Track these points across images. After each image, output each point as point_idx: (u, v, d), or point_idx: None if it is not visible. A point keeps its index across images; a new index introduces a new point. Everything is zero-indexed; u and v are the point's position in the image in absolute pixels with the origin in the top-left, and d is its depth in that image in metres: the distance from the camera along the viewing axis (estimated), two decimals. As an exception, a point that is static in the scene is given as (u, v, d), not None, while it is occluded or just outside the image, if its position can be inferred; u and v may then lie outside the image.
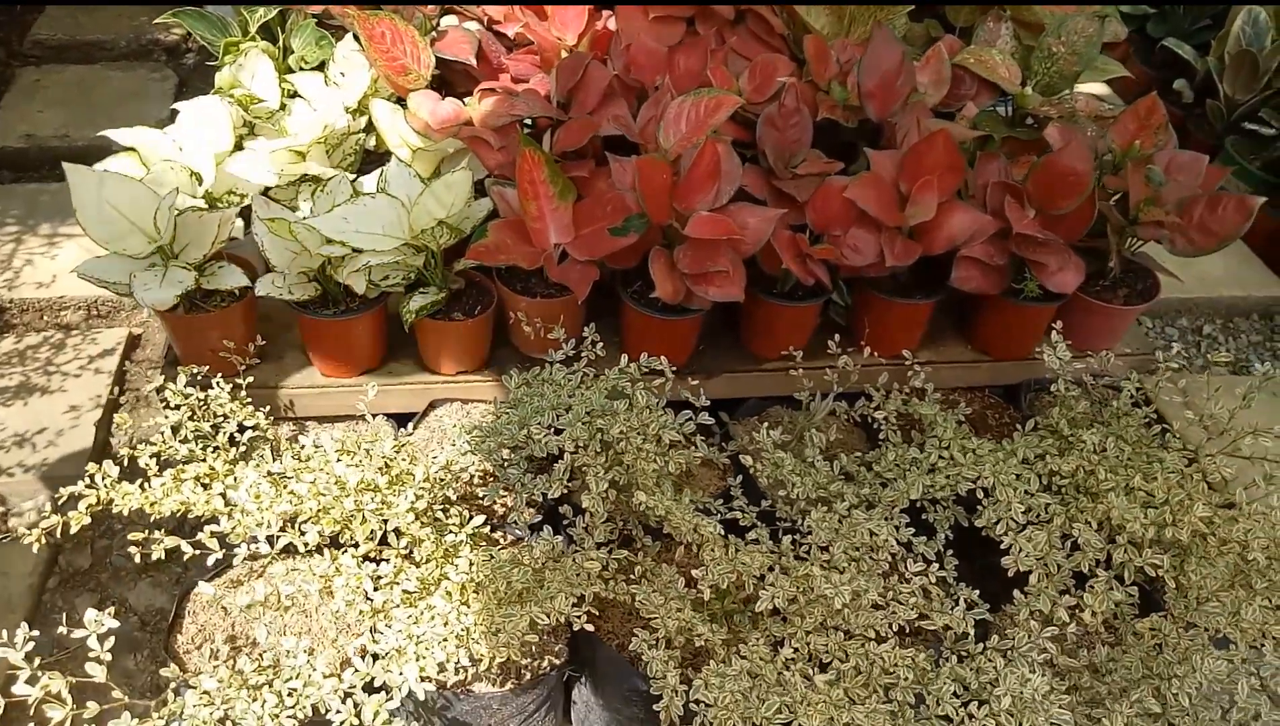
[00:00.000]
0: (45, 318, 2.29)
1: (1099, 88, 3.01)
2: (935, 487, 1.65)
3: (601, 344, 1.73)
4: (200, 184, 1.70)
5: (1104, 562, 1.56)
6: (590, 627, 1.43)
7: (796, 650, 1.41)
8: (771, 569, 1.46)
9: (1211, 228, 1.84)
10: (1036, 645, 1.43)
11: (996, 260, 1.84)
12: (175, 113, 1.80)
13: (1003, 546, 1.56)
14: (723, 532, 1.51)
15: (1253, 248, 2.73)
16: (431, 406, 1.89)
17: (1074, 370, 1.80)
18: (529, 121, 1.88)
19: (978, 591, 1.53)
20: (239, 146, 1.80)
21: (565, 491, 1.54)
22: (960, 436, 1.72)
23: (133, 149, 1.71)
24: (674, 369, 1.72)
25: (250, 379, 1.80)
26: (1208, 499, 1.59)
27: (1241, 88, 2.83)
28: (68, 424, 1.99)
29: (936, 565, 1.52)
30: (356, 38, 1.86)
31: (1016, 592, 1.52)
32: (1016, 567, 1.52)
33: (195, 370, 1.67)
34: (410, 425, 1.84)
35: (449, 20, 2.00)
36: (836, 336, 1.88)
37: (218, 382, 1.66)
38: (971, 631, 1.46)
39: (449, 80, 1.99)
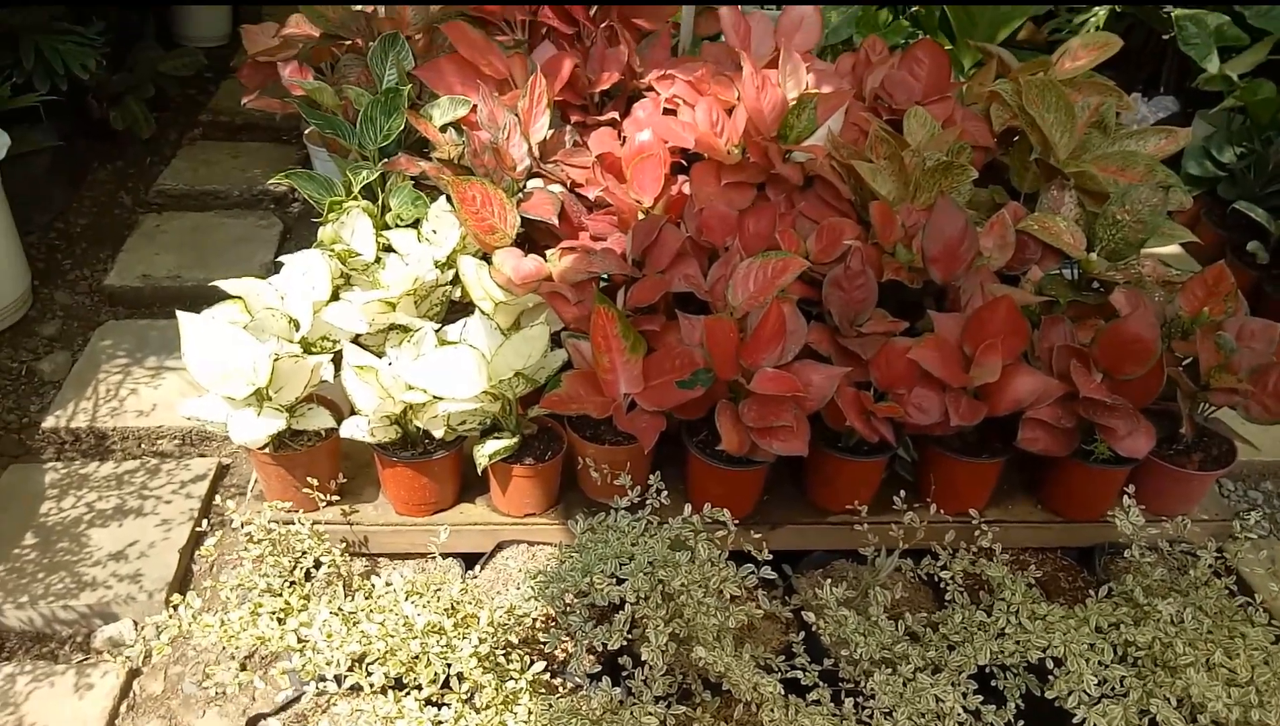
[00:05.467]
0: (143, 445, 2.42)
1: (1170, 248, 3.03)
2: (1004, 653, 1.62)
3: (666, 493, 1.77)
4: (298, 330, 1.83)
5: (1185, 744, 1.49)
6: (646, 786, 1.42)
7: (857, 822, 1.37)
8: (832, 733, 1.43)
9: (1287, 396, 1.82)
10: (1113, 832, 1.36)
11: (1064, 422, 1.84)
12: (279, 264, 1.96)
13: (1075, 721, 1.51)
14: (783, 691, 1.49)
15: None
16: (499, 547, 1.93)
17: (1148, 535, 1.76)
18: (605, 277, 1.99)
19: (1049, 768, 1.47)
20: (335, 296, 1.94)
21: (625, 642, 1.55)
22: (1030, 600, 1.69)
23: (239, 297, 1.85)
24: (737, 521, 1.75)
25: (329, 515, 1.88)
26: (1295, 680, 1.52)
27: (1317, 250, 2.82)
28: (157, 542, 2.09)
29: (1005, 738, 1.47)
30: (449, 199, 2.01)
31: (1091, 772, 1.46)
32: (1090, 745, 1.46)
33: (279, 505, 1.76)
34: (478, 566, 1.88)
35: (535, 183, 2.15)
36: (902, 492, 1.88)
37: (299, 518, 1.74)
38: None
39: (532, 237, 2.12)
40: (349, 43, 2.57)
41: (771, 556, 1.70)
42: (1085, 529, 2.00)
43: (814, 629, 1.70)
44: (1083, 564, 2.02)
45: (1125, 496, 1.80)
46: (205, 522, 2.11)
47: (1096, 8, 3.40)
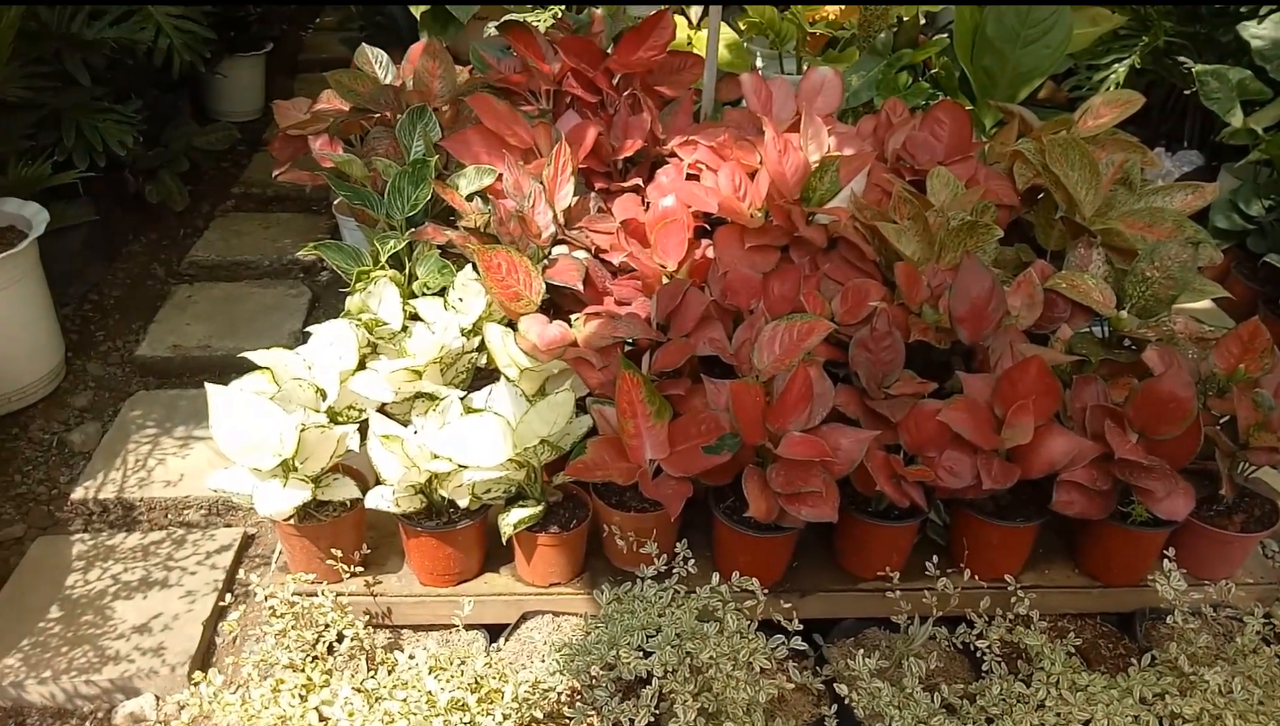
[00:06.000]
0: (170, 515, 2.43)
1: (1201, 303, 2.99)
2: (1045, 727, 1.56)
3: (693, 561, 1.74)
4: (325, 400, 1.83)
5: (1242, 825, 1.42)
6: None
7: None
8: (869, 814, 1.38)
9: (1330, 455, 1.77)
10: None
11: (1100, 484, 1.79)
12: (307, 333, 1.97)
13: (1124, 800, 1.44)
14: (817, 770, 1.44)
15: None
16: (523, 618, 1.90)
17: (1191, 600, 1.71)
18: (630, 342, 1.98)
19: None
20: (362, 365, 1.95)
21: (653, 717, 1.52)
22: (1070, 669, 1.64)
23: (267, 368, 1.87)
24: (766, 589, 1.71)
25: (352, 586, 1.87)
26: (1356, 756, 1.45)
27: (1354, 303, 2.78)
28: (181, 614, 2.07)
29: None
30: (475, 267, 2.02)
31: None
32: (1141, 826, 1.40)
33: (303, 577, 1.74)
34: (502, 638, 1.85)
35: (560, 249, 2.16)
36: (935, 557, 1.84)
37: (323, 590, 1.72)
38: None
39: (557, 302, 2.12)
40: (378, 116, 2.63)
41: (801, 627, 1.66)
42: (1125, 594, 1.95)
43: (847, 701, 1.65)
44: (1123, 630, 1.96)
45: (1165, 559, 1.75)
46: (229, 595, 2.09)
47: (1116, 65, 3.41)
